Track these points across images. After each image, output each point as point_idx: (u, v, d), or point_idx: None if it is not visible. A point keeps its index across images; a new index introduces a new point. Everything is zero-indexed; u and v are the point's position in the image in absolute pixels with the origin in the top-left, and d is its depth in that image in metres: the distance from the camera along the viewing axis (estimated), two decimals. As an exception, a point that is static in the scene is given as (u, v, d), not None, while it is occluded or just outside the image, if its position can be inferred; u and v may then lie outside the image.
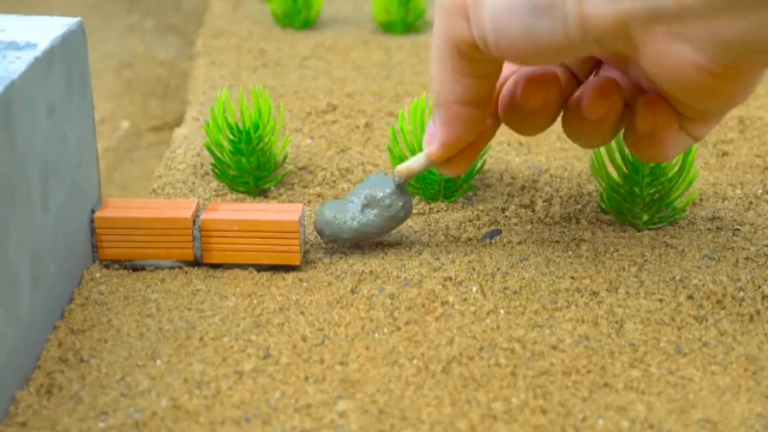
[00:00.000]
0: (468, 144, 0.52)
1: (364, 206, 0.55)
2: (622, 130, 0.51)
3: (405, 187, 0.55)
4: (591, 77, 0.52)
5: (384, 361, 0.47)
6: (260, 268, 0.55)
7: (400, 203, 0.55)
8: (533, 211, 0.61)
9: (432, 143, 0.52)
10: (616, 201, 0.59)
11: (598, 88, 0.49)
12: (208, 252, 0.55)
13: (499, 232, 0.59)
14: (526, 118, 0.51)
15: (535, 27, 0.42)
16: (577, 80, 0.52)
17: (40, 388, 0.45)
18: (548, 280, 0.54)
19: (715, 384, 0.46)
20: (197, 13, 1.30)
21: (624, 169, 0.58)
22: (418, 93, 0.81)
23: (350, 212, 0.55)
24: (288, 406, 0.44)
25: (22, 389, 0.45)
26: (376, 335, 0.49)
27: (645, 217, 0.59)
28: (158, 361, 0.47)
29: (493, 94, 0.51)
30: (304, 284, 0.54)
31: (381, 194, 0.55)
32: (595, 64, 0.52)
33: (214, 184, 0.65)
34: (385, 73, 0.87)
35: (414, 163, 0.54)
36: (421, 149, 0.61)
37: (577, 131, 0.51)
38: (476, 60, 0.46)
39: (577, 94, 0.51)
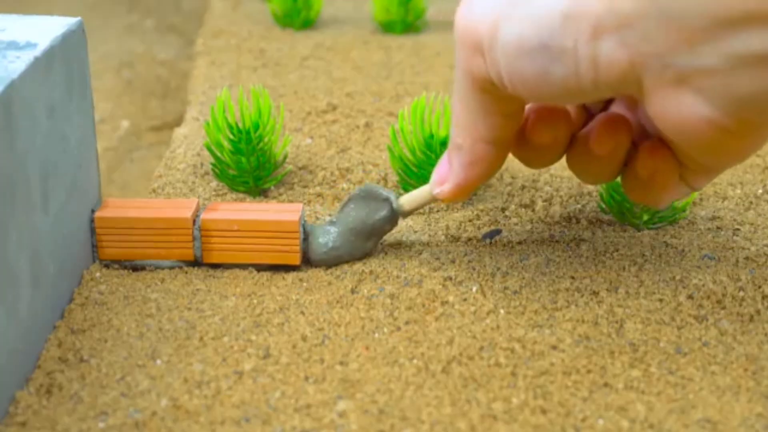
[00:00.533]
0: None
1: (366, 239, 0.55)
2: None
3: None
4: (600, 113, 0.51)
5: (384, 361, 0.47)
6: (260, 268, 0.55)
7: (395, 221, 0.55)
8: (533, 210, 0.61)
9: (445, 184, 0.51)
10: (616, 201, 0.59)
11: (607, 125, 0.48)
12: (208, 252, 0.55)
13: (499, 232, 0.59)
14: (535, 153, 0.50)
15: (547, 70, 0.41)
16: (588, 113, 0.52)
17: (40, 388, 0.45)
18: (548, 280, 0.54)
19: (715, 384, 0.46)
20: (197, 13, 1.30)
21: (624, 169, 0.58)
22: (418, 93, 0.81)
23: (356, 250, 0.55)
24: (288, 406, 0.44)
25: (22, 389, 0.45)
26: (376, 335, 0.49)
27: (645, 217, 0.59)
28: (158, 361, 0.47)
29: (515, 133, 0.50)
30: (304, 284, 0.54)
31: (379, 221, 0.55)
32: (608, 99, 0.52)
33: (214, 183, 0.65)
34: (385, 73, 0.87)
35: (419, 199, 0.54)
36: (421, 149, 0.61)
37: (581, 167, 0.50)
38: (498, 96, 0.45)
39: (585, 129, 0.50)
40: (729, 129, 0.40)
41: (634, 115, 0.50)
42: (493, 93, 0.45)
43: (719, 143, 0.41)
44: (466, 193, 0.51)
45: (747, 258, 0.56)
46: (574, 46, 0.40)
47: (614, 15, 0.39)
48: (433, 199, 0.53)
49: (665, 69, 0.39)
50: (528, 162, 0.52)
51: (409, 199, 0.54)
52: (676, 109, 0.40)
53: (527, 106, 0.50)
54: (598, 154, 0.49)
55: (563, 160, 0.52)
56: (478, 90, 0.46)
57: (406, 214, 0.55)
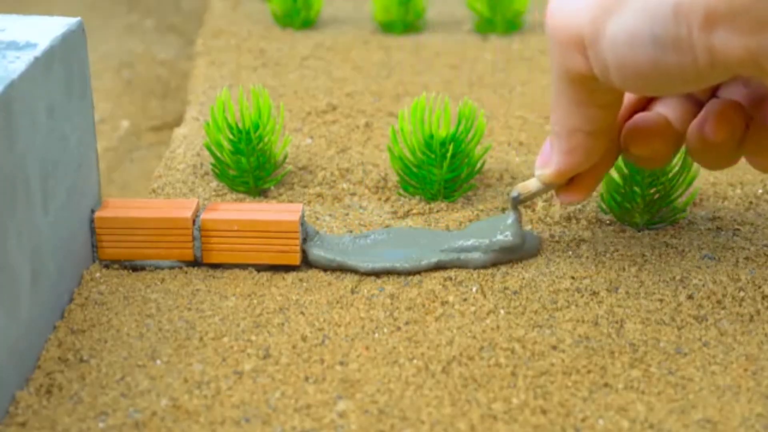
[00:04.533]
0: (587, 170, 0.52)
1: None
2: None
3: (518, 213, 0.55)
4: (713, 100, 0.51)
5: (384, 361, 0.47)
6: (260, 268, 0.55)
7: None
8: (533, 211, 0.61)
9: (546, 168, 0.51)
10: (616, 201, 0.59)
11: (721, 113, 0.48)
12: (208, 252, 0.55)
13: (499, 232, 0.59)
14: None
15: (661, 60, 0.41)
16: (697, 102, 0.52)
17: (40, 388, 0.45)
18: (548, 280, 0.54)
19: (715, 384, 0.46)
20: (197, 13, 1.30)
21: (624, 169, 0.58)
22: (418, 93, 0.81)
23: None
24: (288, 406, 0.44)
25: (22, 389, 0.45)
26: (376, 335, 0.49)
27: (645, 217, 0.59)
28: (158, 361, 0.47)
29: (615, 122, 0.50)
30: (304, 284, 0.54)
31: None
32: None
33: (214, 184, 0.65)
34: (385, 73, 0.87)
35: (531, 185, 0.54)
36: (421, 149, 0.61)
37: (701, 155, 0.51)
38: (597, 90, 0.46)
39: (699, 118, 0.50)
40: None
41: (746, 89, 0.50)
42: (590, 86, 0.46)
43: None
44: (567, 177, 0.51)
45: (747, 258, 0.56)
46: (688, 36, 0.40)
47: (726, 3, 0.38)
48: (545, 186, 0.53)
49: None
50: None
51: (524, 184, 0.54)
52: None
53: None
54: (714, 141, 0.48)
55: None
56: (574, 84, 0.46)
57: (524, 198, 0.54)
